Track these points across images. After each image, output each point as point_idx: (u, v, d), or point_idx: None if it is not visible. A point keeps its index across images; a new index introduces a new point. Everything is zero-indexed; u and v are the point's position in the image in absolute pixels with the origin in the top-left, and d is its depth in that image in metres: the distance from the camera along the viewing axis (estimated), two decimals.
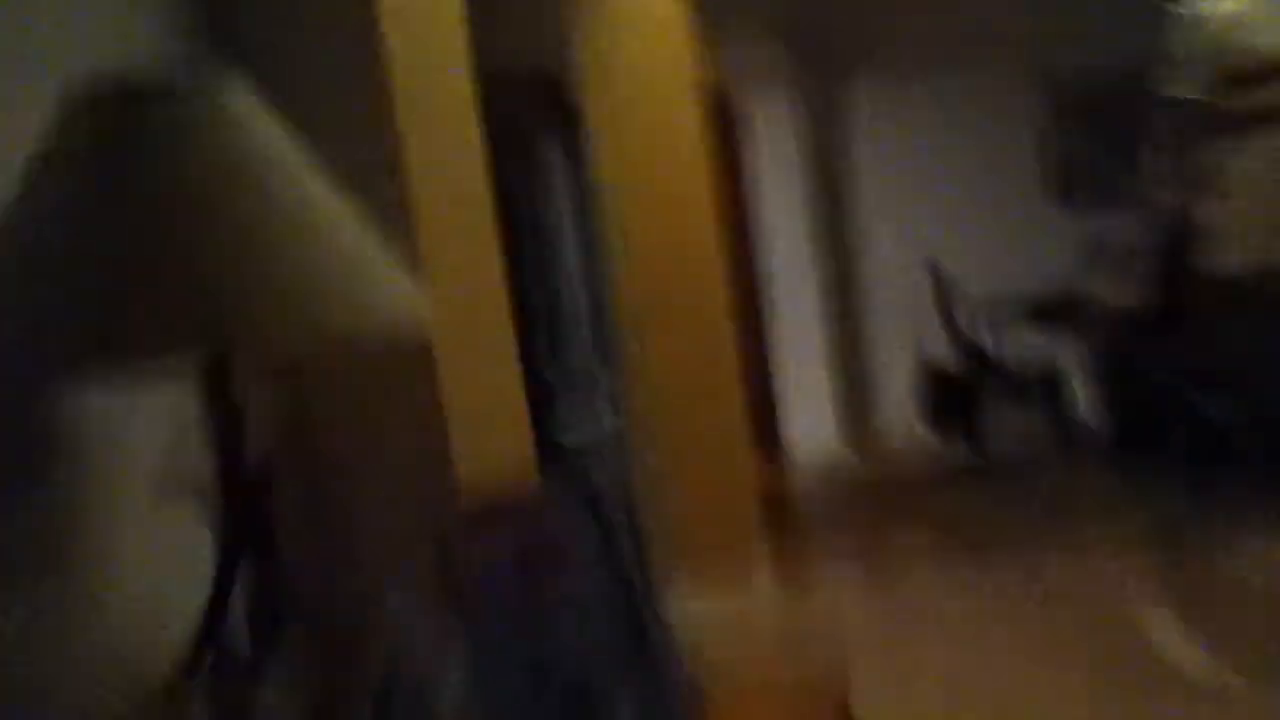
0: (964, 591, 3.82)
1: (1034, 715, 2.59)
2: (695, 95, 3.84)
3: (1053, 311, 5.70)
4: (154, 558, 1.18)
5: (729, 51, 6.11)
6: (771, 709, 1.65)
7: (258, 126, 0.99)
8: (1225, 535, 3.84)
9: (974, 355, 5.76)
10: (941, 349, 5.86)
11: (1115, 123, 6.67)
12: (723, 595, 3.39)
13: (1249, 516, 3.98)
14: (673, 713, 1.25)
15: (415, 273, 1.24)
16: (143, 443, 1.20)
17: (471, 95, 1.96)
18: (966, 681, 2.85)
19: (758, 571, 3.78)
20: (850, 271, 7.12)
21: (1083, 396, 5.90)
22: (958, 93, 6.90)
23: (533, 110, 4.47)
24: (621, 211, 3.77)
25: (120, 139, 0.93)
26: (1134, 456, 5.09)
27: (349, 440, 1.40)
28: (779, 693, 1.80)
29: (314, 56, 1.52)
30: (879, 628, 3.59)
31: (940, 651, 3.14)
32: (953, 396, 5.65)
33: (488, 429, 1.73)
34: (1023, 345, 6.06)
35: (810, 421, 7.05)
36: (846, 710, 1.53)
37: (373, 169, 1.47)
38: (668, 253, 3.74)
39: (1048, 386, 5.48)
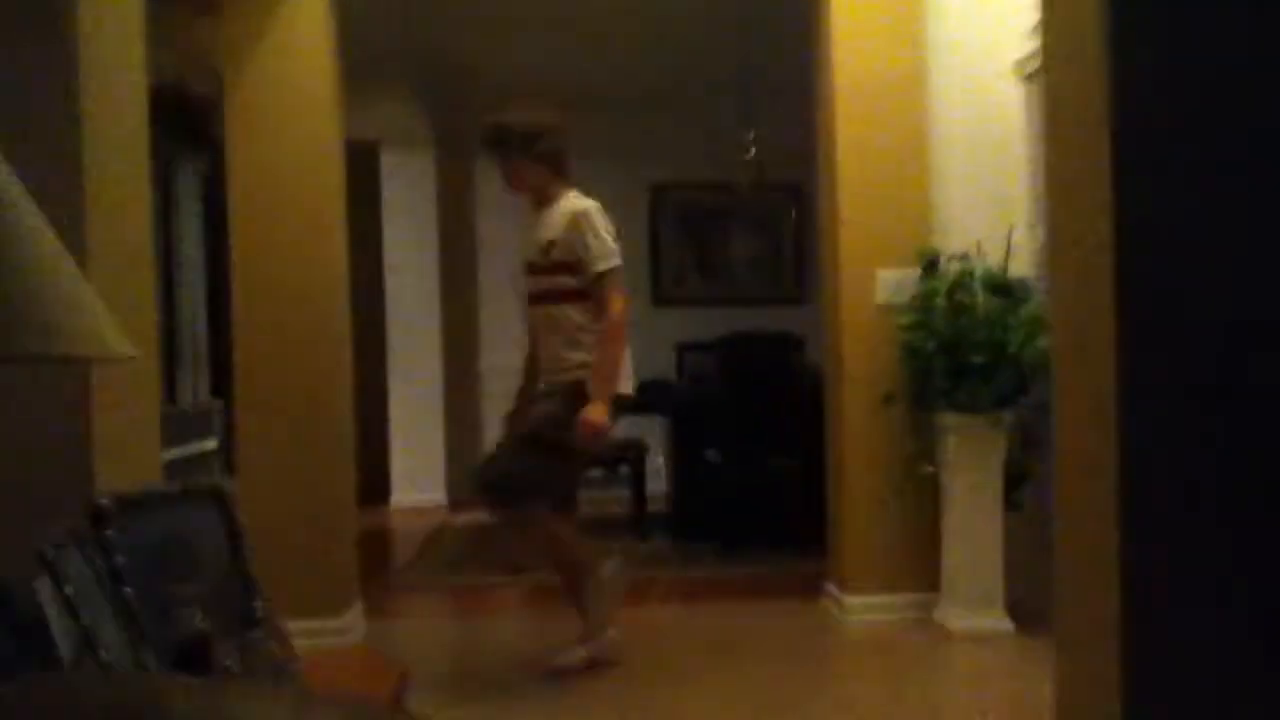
0: (531, 620, 4.39)
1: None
2: (338, 144, 3.99)
3: (644, 395, 6.43)
4: None
5: (374, 106, 6.40)
6: (347, 669, 1.98)
7: None
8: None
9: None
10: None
11: (703, 236, 7.73)
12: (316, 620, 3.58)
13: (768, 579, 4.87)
14: (270, 669, 1.54)
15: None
16: None
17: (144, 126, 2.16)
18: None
19: (349, 601, 4.02)
20: (469, 336, 7.57)
21: (661, 468, 6.70)
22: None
23: (165, 129, 4.40)
24: (252, 246, 3.85)
25: None
26: (690, 522, 5.90)
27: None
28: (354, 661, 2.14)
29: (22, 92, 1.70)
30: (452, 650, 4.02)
31: (511, 673, 3.57)
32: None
33: (129, 442, 1.93)
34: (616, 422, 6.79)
35: (420, 474, 7.37)
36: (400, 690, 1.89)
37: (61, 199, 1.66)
38: (295, 295, 3.85)
39: (633, 458, 6.18)
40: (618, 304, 3.49)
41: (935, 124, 4.14)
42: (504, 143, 3.61)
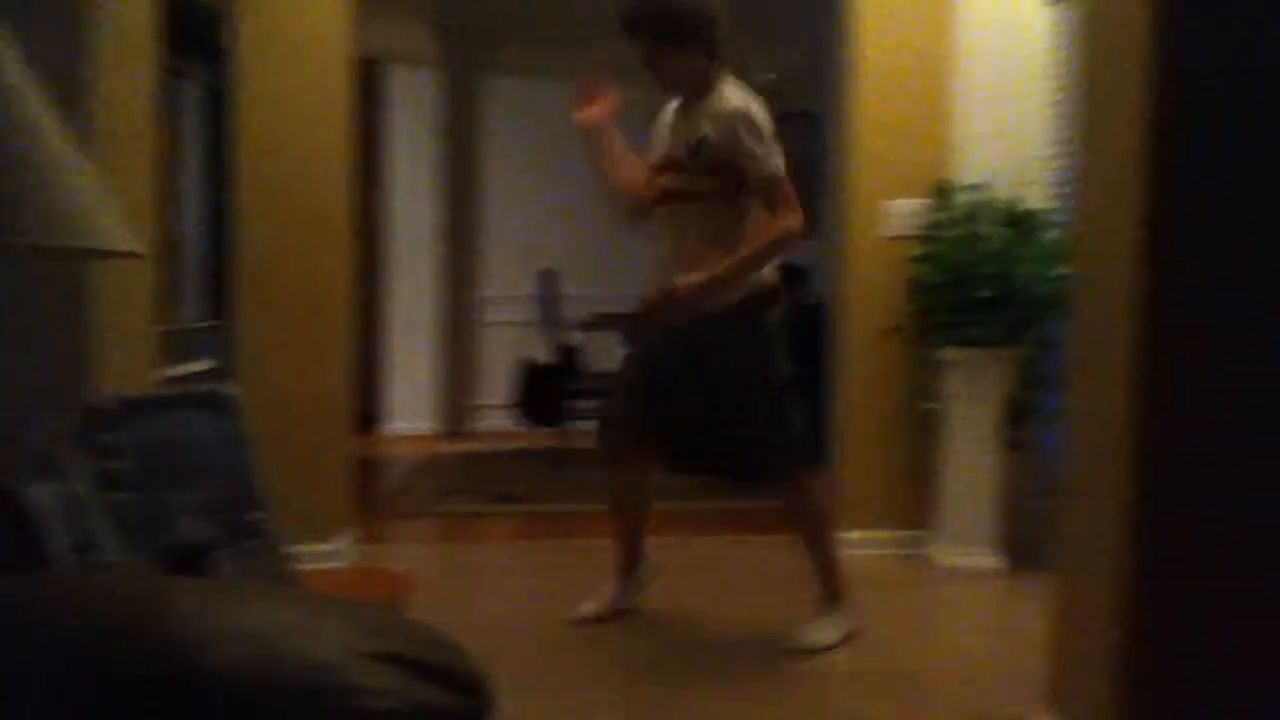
0: (521, 550, 4.41)
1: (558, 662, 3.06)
2: (346, 60, 3.88)
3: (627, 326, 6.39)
4: None
5: (379, 24, 6.24)
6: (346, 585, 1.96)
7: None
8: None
9: (568, 355, 6.33)
10: (540, 347, 6.37)
11: None
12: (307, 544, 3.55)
13: None
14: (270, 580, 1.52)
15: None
16: None
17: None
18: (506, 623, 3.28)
19: (342, 526, 4.00)
20: (467, 264, 7.49)
21: None
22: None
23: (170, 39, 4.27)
24: (256, 164, 3.78)
25: None
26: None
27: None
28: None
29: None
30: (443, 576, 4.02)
31: (489, 593, 3.57)
32: (545, 390, 6.17)
33: (126, 348, 1.88)
34: (614, 349, 6.76)
35: (412, 402, 7.34)
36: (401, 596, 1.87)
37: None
38: (298, 214, 3.80)
39: None
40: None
41: (959, 50, 4.03)
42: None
